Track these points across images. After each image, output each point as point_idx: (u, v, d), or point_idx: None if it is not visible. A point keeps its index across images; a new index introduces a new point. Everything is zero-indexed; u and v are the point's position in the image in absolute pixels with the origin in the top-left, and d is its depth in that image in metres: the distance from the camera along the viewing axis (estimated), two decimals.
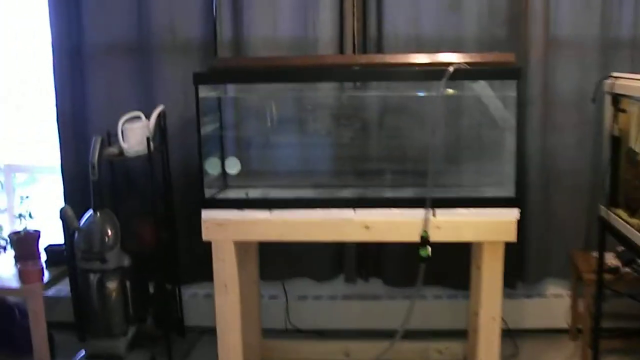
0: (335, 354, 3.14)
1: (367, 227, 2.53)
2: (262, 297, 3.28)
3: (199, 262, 3.04)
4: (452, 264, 3.10)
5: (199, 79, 2.51)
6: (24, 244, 3.15)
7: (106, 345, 2.94)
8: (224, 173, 2.82)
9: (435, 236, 2.49)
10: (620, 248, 2.93)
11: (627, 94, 2.44)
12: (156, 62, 3.20)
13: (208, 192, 2.65)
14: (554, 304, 3.33)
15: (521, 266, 3.23)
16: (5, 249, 3.30)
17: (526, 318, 3.30)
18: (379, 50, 3.08)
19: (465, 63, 2.45)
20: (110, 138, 3.05)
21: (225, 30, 3.12)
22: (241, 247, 2.70)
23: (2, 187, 3.74)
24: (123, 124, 2.96)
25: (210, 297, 2.92)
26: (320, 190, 2.72)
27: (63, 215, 2.88)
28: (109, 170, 3.19)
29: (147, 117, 3.01)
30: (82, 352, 3.01)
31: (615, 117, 2.54)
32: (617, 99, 2.52)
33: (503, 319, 2.60)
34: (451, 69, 2.38)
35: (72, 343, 3.14)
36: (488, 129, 2.63)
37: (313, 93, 2.78)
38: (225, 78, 2.56)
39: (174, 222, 3.25)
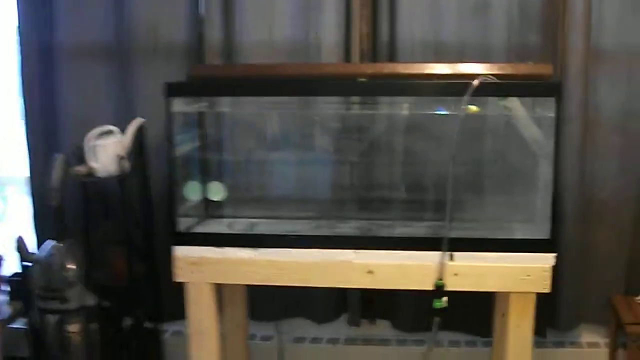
0: None
1: (370, 272, 2.11)
2: (253, 337, 2.89)
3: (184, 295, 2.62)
4: (471, 307, 2.66)
5: (172, 91, 2.10)
6: None
7: None
8: (205, 200, 2.42)
9: (452, 284, 2.08)
10: None
11: None
12: (136, 69, 2.79)
13: (184, 224, 2.25)
14: (589, 355, 2.87)
15: (552, 311, 2.78)
16: None
17: None
18: (391, 58, 2.65)
19: (493, 75, 2.01)
20: (82, 154, 2.65)
21: (214, 33, 2.70)
22: (225, 286, 2.30)
23: None
24: (93, 139, 2.57)
25: None
26: (316, 224, 2.30)
27: (17, 244, 2.49)
28: (79, 193, 2.78)
29: (124, 131, 2.63)
30: None
31: None
32: None
33: None
34: (476, 82, 1.95)
35: None
36: (519, 155, 2.20)
37: (311, 109, 2.35)
38: (201, 90, 2.13)
39: (152, 252, 2.84)
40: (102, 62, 2.83)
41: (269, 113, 2.40)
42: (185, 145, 2.34)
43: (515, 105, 2.07)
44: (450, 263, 2.07)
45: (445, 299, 2.08)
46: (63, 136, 2.89)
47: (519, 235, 2.17)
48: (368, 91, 2.17)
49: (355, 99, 2.31)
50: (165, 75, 2.68)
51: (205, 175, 2.42)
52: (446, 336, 2.90)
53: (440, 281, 2.07)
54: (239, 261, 2.16)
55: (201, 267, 2.18)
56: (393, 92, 2.14)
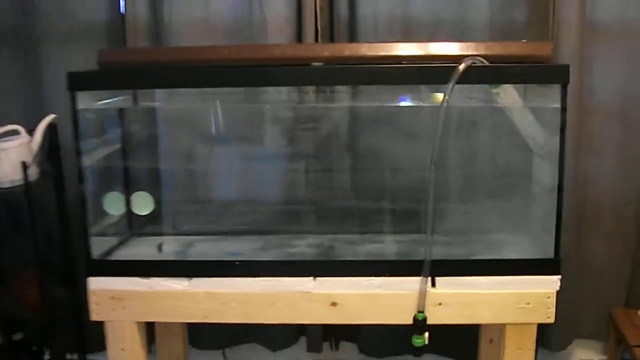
0: None
1: (333, 304, 1.69)
2: None
3: None
4: (454, 329, 2.28)
5: (77, 83, 1.64)
6: None
7: None
8: (129, 214, 1.98)
9: (435, 317, 1.68)
10: None
11: None
12: (45, 55, 2.32)
13: (101, 246, 1.81)
14: None
15: (543, 328, 2.41)
16: None
17: None
18: (352, 37, 2.24)
19: (480, 56, 1.60)
20: None
21: (139, 9, 2.24)
22: None
23: None
24: None
25: None
26: (265, 241, 1.87)
27: None
28: None
29: (32, 132, 2.18)
30: None
31: None
32: None
33: None
34: (463, 66, 1.54)
35: None
36: (513, 156, 1.80)
37: (257, 101, 1.91)
38: (115, 81, 1.65)
39: (72, 274, 2.38)
40: (2, 47, 2.35)
41: (205, 107, 1.96)
42: (102, 149, 1.90)
43: (508, 94, 1.66)
44: (432, 290, 1.67)
45: (426, 334, 1.68)
46: None
47: (515, 253, 1.77)
48: (325, 78, 1.71)
49: (310, 88, 1.87)
50: (84, 61, 2.22)
51: (129, 185, 1.97)
52: None
53: (421, 314, 1.67)
54: (170, 294, 1.72)
55: (123, 303, 1.74)
56: (356, 80, 1.69)
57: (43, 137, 2.20)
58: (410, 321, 1.68)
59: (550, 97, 1.63)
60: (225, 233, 1.96)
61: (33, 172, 2.16)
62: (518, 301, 1.68)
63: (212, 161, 2.01)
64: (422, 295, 1.66)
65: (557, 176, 1.62)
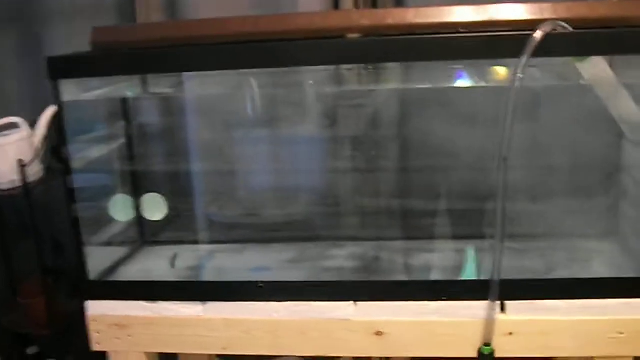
0: None
1: (378, 334, 1.38)
2: None
3: None
4: None
5: (58, 70, 1.35)
6: None
7: None
8: (139, 219, 1.70)
9: (504, 349, 1.35)
10: None
11: None
12: (48, 36, 2.05)
13: (104, 259, 1.53)
14: None
15: None
16: None
17: None
18: (399, 2, 1.90)
19: (560, 21, 1.24)
20: None
21: None
22: None
23: None
24: None
25: None
26: (296, 252, 1.57)
27: None
28: None
29: (34, 124, 1.93)
30: None
31: None
32: None
33: None
34: (539, 34, 1.19)
35: None
36: (601, 145, 1.44)
37: (287, 85, 1.58)
38: (108, 66, 1.35)
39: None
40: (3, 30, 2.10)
41: (227, 94, 1.65)
42: (105, 146, 1.62)
43: (598, 68, 1.30)
44: (502, 317, 1.34)
45: None
46: None
47: (603, 267, 1.43)
48: (362, 55, 1.37)
49: (350, 66, 1.53)
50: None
51: (139, 186, 1.69)
52: None
53: (488, 347, 1.34)
54: (181, 321, 1.44)
55: (129, 331, 1.47)
56: (404, 55, 1.34)
57: (47, 130, 1.95)
58: (474, 354, 1.35)
59: None
60: (250, 241, 1.66)
61: (36, 171, 1.92)
62: (609, 330, 1.33)
63: (237, 158, 1.71)
64: (490, 324, 1.34)
65: None
